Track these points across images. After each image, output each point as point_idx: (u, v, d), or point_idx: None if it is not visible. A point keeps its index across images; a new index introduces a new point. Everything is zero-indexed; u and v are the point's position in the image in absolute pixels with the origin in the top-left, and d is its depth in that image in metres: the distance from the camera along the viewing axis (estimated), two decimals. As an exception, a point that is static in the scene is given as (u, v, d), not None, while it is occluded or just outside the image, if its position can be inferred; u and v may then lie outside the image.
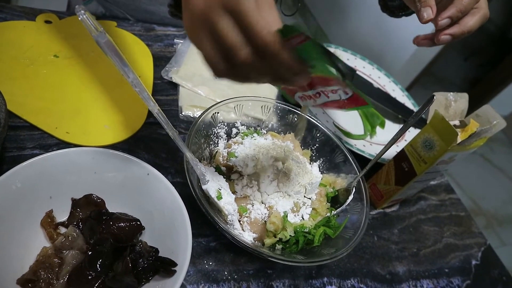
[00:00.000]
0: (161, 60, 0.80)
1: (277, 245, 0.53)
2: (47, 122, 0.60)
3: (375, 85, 1.00)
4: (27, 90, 0.63)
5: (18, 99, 0.61)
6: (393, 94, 1.00)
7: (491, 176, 2.73)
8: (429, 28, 0.56)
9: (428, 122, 0.64)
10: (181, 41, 0.84)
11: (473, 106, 0.69)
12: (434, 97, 0.54)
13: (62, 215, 0.48)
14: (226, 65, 0.36)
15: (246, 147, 0.57)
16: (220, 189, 0.50)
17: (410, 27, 1.12)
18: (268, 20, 0.34)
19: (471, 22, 0.55)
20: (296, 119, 0.66)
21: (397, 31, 1.94)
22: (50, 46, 0.71)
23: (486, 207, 2.48)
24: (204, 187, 0.50)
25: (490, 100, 2.72)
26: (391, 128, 0.92)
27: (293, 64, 0.35)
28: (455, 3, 0.54)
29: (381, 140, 0.86)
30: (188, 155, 0.47)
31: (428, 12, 0.52)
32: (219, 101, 0.61)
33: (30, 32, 0.72)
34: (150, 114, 0.68)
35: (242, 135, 0.62)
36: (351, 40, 2.25)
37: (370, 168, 0.61)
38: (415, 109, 1.00)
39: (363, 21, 2.21)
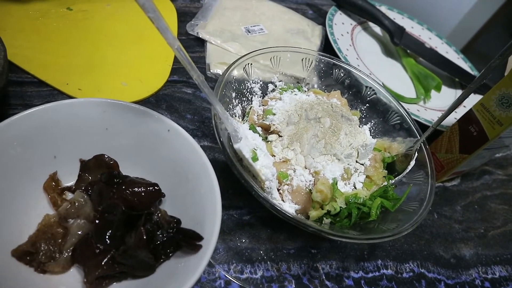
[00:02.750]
0: (186, 16, 0.71)
1: (324, 218, 0.44)
2: (57, 78, 0.52)
3: (427, 45, 0.88)
4: (36, 43, 0.55)
5: (25, 53, 0.53)
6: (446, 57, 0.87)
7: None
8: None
9: (505, 74, 0.52)
10: (209, -5, 0.75)
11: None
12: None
13: (68, 179, 0.40)
14: None
15: (285, 103, 0.48)
16: (255, 149, 0.41)
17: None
18: None
19: None
20: (342, 75, 0.56)
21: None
22: (63, -2, 0.64)
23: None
24: (236, 146, 0.41)
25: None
26: (447, 93, 0.80)
27: None
28: None
29: (437, 105, 0.75)
30: (216, 104, 0.39)
31: None
32: (253, 50, 0.51)
33: (42, -15, 0.65)
34: (173, 71, 0.60)
35: (281, 90, 0.52)
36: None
37: (427, 136, 0.50)
38: (473, 72, 0.87)
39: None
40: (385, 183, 0.48)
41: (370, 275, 0.48)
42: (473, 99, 0.68)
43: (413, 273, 0.50)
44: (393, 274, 0.49)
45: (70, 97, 0.51)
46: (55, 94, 0.51)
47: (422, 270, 0.51)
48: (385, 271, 0.49)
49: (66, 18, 0.61)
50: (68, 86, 0.52)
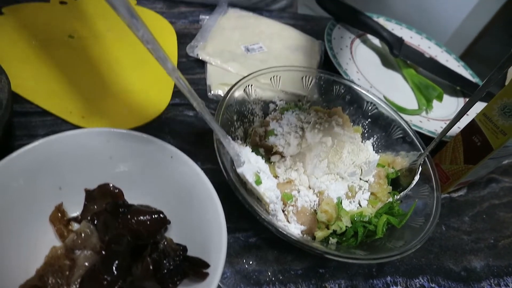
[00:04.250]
0: (185, 38, 0.72)
1: (330, 238, 0.44)
2: (61, 107, 0.53)
3: (427, 55, 0.88)
4: (39, 73, 0.56)
5: (29, 83, 0.54)
6: (446, 65, 0.88)
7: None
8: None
9: (506, 83, 0.52)
10: (207, 17, 0.76)
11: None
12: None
13: (74, 209, 0.41)
14: None
15: (287, 123, 0.48)
16: (258, 172, 0.41)
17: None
18: None
19: None
20: (343, 91, 0.56)
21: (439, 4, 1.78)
22: (64, 27, 0.65)
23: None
24: (239, 170, 0.41)
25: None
26: (449, 102, 0.80)
27: None
28: None
29: (440, 115, 0.75)
30: (218, 130, 0.39)
31: None
32: (253, 71, 0.52)
33: (44, 14, 0.66)
34: (175, 94, 0.60)
35: (282, 110, 0.52)
36: (392, 10, 2.08)
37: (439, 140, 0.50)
38: (474, 80, 0.87)
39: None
40: (390, 199, 0.48)
41: (380, 292, 0.47)
42: (476, 107, 0.68)
43: (423, 289, 0.50)
44: (403, 290, 0.48)
45: (74, 126, 0.52)
46: (59, 123, 0.52)
47: (433, 285, 0.50)
48: (394, 287, 0.48)
49: (68, 46, 0.62)
50: (71, 114, 0.53)
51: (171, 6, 0.78)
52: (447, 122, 0.71)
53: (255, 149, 0.47)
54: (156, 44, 0.33)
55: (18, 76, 0.53)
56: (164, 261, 0.35)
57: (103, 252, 0.35)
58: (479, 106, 0.57)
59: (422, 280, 0.50)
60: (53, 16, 0.66)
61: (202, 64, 0.67)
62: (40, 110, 0.53)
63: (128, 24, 0.31)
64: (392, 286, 0.48)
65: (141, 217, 0.37)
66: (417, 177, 0.48)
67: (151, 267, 0.33)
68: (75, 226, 0.40)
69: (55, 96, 0.54)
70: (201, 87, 0.64)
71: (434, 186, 0.48)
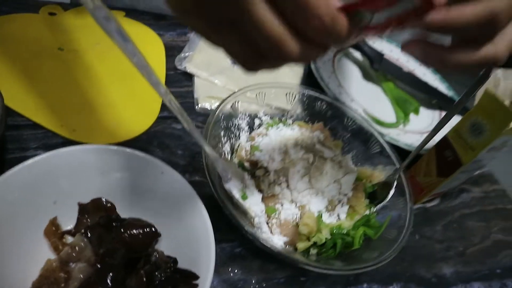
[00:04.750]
0: (173, 50, 0.74)
1: (311, 249, 0.47)
2: (52, 120, 0.55)
3: (405, 69, 0.93)
4: (29, 86, 0.57)
5: (19, 96, 0.56)
6: (424, 79, 0.92)
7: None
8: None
9: (475, 103, 0.56)
10: (194, 29, 0.78)
11: None
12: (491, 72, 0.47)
13: (68, 223, 0.43)
14: (265, 61, 0.28)
15: (271, 139, 0.51)
16: (244, 188, 0.44)
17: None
18: None
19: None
20: (325, 107, 0.60)
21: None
22: (54, 39, 0.66)
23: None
24: (226, 185, 0.43)
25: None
26: (426, 115, 0.84)
27: (351, 32, 0.26)
28: None
29: (416, 128, 0.79)
30: (207, 149, 0.41)
31: None
32: (239, 89, 0.55)
33: (34, 25, 0.67)
34: (163, 108, 0.62)
35: (267, 126, 0.55)
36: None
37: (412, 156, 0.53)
38: (449, 93, 0.92)
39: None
40: (368, 211, 0.51)
41: (357, 299, 0.51)
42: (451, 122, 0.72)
43: (397, 295, 0.53)
44: (379, 296, 0.52)
45: (65, 139, 0.53)
46: (50, 136, 0.53)
47: (406, 291, 0.54)
48: (370, 294, 0.52)
49: (58, 59, 0.63)
50: (62, 127, 0.54)
51: (159, 18, 0.79)
52: (423, 135, 0.76)
53: (241, 164, 0.50)
54: (149, 69, 0.35)
55: (9, 89, 0.54)
56: (156, 273, 0.38)
57: (98, 265, 0.37)
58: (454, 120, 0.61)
59: (396, 287, 0.54)
60: (42, 27, 0.67)
61: (190, 77, 0.69)
62: (31, 123, 0.54)
63: (123, 50, 0.33)
64: (368, 293, 0.52)
65: (134, 231, 0.40)
66: (392, 191, 0.51)
67: (144, 279, 0.36)
68: (69, 239, 0.42)
69: (46, 109, 0.56)
70: (188, 100, 0.66)
71: (408, 199, 0.51)
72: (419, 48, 0.31)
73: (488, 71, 0.44)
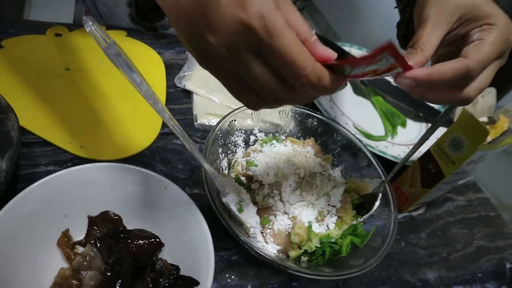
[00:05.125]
0: (173, 68, 0.78)
1: (302, 257, 0.51)
2: (60, 137, 0.58)
3: (393, 83, 0.97)
4: (39, 105, 0.61)
5: (30, 115, 0.59)
6: (412, 92, 0.97)
7: (513, 170, 2.65)
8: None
9: (455, 120, 0.61)
10: (193, 48, 0.82)
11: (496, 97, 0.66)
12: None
13: (78, 234, 0.47)
14: (264, 104, 0.34)
15: (265, 155, 0.55)
16: (241, 201, 0.48)
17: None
18: (304, 48, 0.30)
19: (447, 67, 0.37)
20: (315, 123, 0.64)
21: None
22: (61, 59, 0.70)
23: (510, 203, 2.40)
24: (224, 199, 0.48)
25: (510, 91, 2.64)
26: (413, 127, 0.89)
27: (335, 86, 0.32)
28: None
29: (403, 141, 0.83)
30: (206, 167, 0.45)
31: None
32: (235, 108, 0.59)
33: (41, 46, 0.71)
34: (164, 124, 0.66)
35: (261, 142, 0.59)
36: (364, 38, 2.20)
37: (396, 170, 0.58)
38: (435, 106, 0.96)
39: (375, 19, 2.17)
40: (355, 221, 0.55)
41: (346, 303, 0.54)
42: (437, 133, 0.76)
43: (383, 299, 0.57)
44: (366, 300, 0.56)
45: (73, 155, 0.57)
46: (60, 153, 0.57)
47: (392, 295, 0.58)
48: (358, 298, 0.56)
49: (65, 78, 0.67)
50: (70, 144, 0.58)
51: (159, 37, 0.84)
52: (409, 147, 0.80)
53: (238, 178, 0.54)
54: (155, 97, 0.39)
55: (20, 108, 0.58)
56: (161, 280, 0.41)
57: (108, 273, 0.41)
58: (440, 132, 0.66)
59: (382, 291, 0.58)
60: (49, 48, 0.71)
61: (189, 94, 0.74)
62: (41, 141, 0.58)
63: (131, 81, 0.37)
64: (356, 297, 0.56)
65: (140, 241, 0.43)
66: (377, 203, 0.56)
67: (150, 285, 0.39)
68: (80, 249, 0.46)
69: (54, 127, 0.60)
70: (188, 116, 0.70)
71: (392, 209, 0.55)
72: (407, 87, 0.36)
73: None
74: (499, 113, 0.62)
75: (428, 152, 0.65)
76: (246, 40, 0.29)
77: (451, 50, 0.43)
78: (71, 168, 0.45)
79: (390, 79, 0.99)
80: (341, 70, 0.32)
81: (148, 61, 0.77)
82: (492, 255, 0.71)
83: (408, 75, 0.35)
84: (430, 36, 0.39)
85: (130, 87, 0.38)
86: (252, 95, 0.33)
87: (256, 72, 0.30)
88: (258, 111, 0.62)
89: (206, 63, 0.33)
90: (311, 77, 0.30)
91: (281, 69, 0.30)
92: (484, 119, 0.63)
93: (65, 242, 0.45)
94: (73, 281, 0.42)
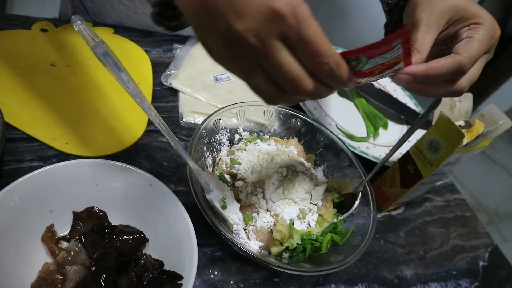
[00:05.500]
0: (160, 66, 0.79)
1: (284, 253, 0.52)
2: (45, 133, 0.59)
3: (377, 86, 0.99)
4: (24, 100, 0.61)
5: (15, 110, 0.59)
6: (394, 95, 0.99)
7: (492, 172, 2.73)
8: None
9: (433, 123, 0.63)
10: (180, 46, 0.83)
11: (473, 103, 0.69)
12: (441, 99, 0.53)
13: (63, 229, 0.47)
14: (283, 95, 0.35)
15: (249, 154, 0.56)
16: (224, 198, 0.49)
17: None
18: (327, 39, 0.31)
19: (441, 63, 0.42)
20: (299, 123, 0.65)
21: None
22: (46, 55, 0.70)
23: (487, 204, 2.47)
24: (208, 196, 0.49)
25: (488, 96, 2.72)
26: (394, 129, 0.91)
27: (349, 77, 0.34)
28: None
29: (385, 142, 0.85)
30: (191, 164, 0.46)
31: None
32: (220, 107, 0.60)
33: (26, 41, 0.71)
34: (150, 121, 0.67)
35: (245, 141, 0.61)
36: (352, 41, 2.23)
37: (374, 172, 0.60)
38: (417, 109, 0.99)
39: (363, 21, 2.19)
40: (335, 220, 0.57)
41: (325, 298, 0.56)
42: (417, 134, 0.78)
43: (362, 295, 0.59)
44: (345, 296, 0.58)
45: (59, 151, 0.57)
46: (44, 149, 0.57)
47: (370, 291, 0.60)
48: (338, 294, 0.57)
49: (51, 74, 0.67)
50: (56, 140, 0.58)
51: (146, 35, 0.84)
52: (391, 148, 0.82)
53: (222, 176, 0.55)
54: (142, 96, 0.40)
55: (5, 104, 0.58)
56: (145, 274, 0.42)
57: (92, 268, 0.41)
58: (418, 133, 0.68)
59: (361, 287, 0.60)
60: (35, 44, 0.71)
61: (175, 92, 0.74)
62: (26, 136, 0.58)
63: (118, 80, 0.38)
64: (336, 293, 0.57)
65: (124, 237, 0.44)
66: (357, 201, 0.57)
67: (135, 280, 0.40)
68: (64, 244, 0.46)
69: (39, 123, 0.60)
70: (174, 114, 0.71)
71: (372, 208, 0.57)
72: (405, 82, 0.41)
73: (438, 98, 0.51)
74: (475, 118, 0.65)
75: (407, 154, 0.67)
76: (275, 27, 0.30)
77: (441, 49, 0.47)
78: (56, 164, 0.46)
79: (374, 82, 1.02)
80: (356, 63, 0.34)
81: (135, 59, 0.78)
82: (467, 254, 0.73)
83: (406, 71, 0.39)
84: (424, 39, 0.43)
85: (117, 84, 0.39)
86: (273, 87, 0.34)
87: (281, 60, 0.31)
88: (243, 112, 0.63)
89: (230, 54, 0.33)
90: (332, 65, 0.32)
91: (305, 56, 0.32)
92: (460, 123, 0.66)
93: (50, 237, 0.45)
94: (57, 275, 0.43)
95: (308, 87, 0.33)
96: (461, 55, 0.42)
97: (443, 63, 0.41)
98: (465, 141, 0.59)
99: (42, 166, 0.45)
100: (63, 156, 0.57)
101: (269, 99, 0.36)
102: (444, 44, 0.46)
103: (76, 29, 0.34)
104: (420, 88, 0.43)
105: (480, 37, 0.43)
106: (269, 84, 0.34)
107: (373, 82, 0.99)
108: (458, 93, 0.45)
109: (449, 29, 0.45)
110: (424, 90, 0.43)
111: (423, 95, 0.45)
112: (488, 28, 0.44)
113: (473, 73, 0.44)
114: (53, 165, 0.45)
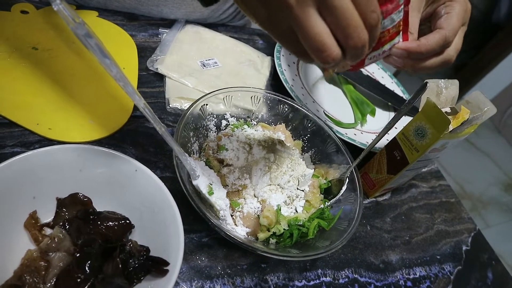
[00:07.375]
0: (145, 51, 0.77)
1: (271, 239, 0.52)
2: (28, 118, 0.57)
3: (364, 72, 0.99)
4: (4, 84, 0.60)
5: (-5, 95, 0.58)
6: (382, 81, 0.99)
7: (476, 160, 2.78)
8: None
9: (420, 110, 0.63)
10: (166, 30, 0.81)
11: (460, 92, 0.69)
12: (427, 85, 0.53)
13: (47, 216, 0.46)
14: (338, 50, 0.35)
15: (236, 140, 0.56)
16: (211, 184, 0.49)
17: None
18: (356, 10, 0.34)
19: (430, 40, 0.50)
20: (287, 109, 0.65)
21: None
22: (27, 38, 0.68)
23: (471, 190, 2.52)
24: (194, 182, 0.48)
25: (475, 85, 2.75)
26: (382, 116, 0.91)
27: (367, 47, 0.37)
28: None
29: (372, 128, 0.85)
30: (177, 150, 0.46)
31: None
32: (207, 92, 0.59)
33: (5, 24, 0.69)
34: (136, 107, 0.66)
35: (232, 127, 0.60)
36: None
37: (362, 158, 0.60)
38: (404, 96, 0.99)
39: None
40: (322, 205, 0.57)
41: (312, 283, 0.57)
42: (404, 120, 0.78)
43: (348, 279, 0.59)
44: (331, 281, 0.58)
45: (41, 137, 0.56)
46: (27, 134, 0.56)
47: (356, 276, 0.60)
48: (324, 278, 0.58)
49: (33, 58, 0.65)
50: (38, 126, 0.57)
51: (132, 19, 0.82)
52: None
53: (209, 161, 0.55)
54: (126, 80, 0.39)
55: (-16, 88, 0.57)
56: (130, 260, 0.42)
57: (77, 254, 0.41)
58: (405, 120, 0.68)
59: (347, 272, 0.60)
60: (15, 26, 0.69)
61: (161, 77, 0.73)
62: (7, 122, 0.56)
63: (102, 63, 0.37)
64: (322, 277, 0.58)
65: (110, 223, 0.44)
66: (344, 187, 0.58)
67: (120, 266, 0.40)
68: (48, 231, 0.45)
69: (22, 108, 0.58)
70: (160, 100, 0.70)
71: (359, 194, 0.57)
72: (401, 56, 0.48)
73: (424, 84, 0.51)
74: (460, 104, 0.65)
75: (394, 140, 0.67)
76: None
77: (422, 28, 0.54)
78: (38, 149, 0.45)
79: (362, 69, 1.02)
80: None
81: (120, 43, 0.76)
82: (451, 238, 0.75)
83: (401, 46, 0.45)
84: (413, 21, 0.49)
85: (102, 68, 0.38)
86: (303, 50, 0.36)
87: (312, 23, 0.33)
88: (230, 97, 0.63)
89: (270, 18, 0.36)
90: (359, 30, 0.34)
91: (335, 23, 0.33)
92: (447, 109, 0.66)
93: (33, 224, 0.44)
94: (41, 262, 0.42)
95: (333, 54, 0.35)
96: (445, 29, 0.50)
97: (431, 38, 0.49)
98: (451, 127, 0.59)
99: (24, 152, 0.44)
100: (46, 142, 0.56)
101: (302, 59, 0.39)
102: (423, 24, 0.54)
103: (55, 9, 0.33)
104: (414, 64, 0.50)
105: (457, 11, 0.51)
106: (301, 48, 0.36)
107: (361, 69, 0.99)
108: (448, 62, 0.53)
109: (428, 9, 0.53)
110: (418, 65, 0.50)
111: (418, 71, 0.51)
112: (461, 3, 0.52)
113: (457, 42, 0.52)
114: (35, 150, 0.44)
